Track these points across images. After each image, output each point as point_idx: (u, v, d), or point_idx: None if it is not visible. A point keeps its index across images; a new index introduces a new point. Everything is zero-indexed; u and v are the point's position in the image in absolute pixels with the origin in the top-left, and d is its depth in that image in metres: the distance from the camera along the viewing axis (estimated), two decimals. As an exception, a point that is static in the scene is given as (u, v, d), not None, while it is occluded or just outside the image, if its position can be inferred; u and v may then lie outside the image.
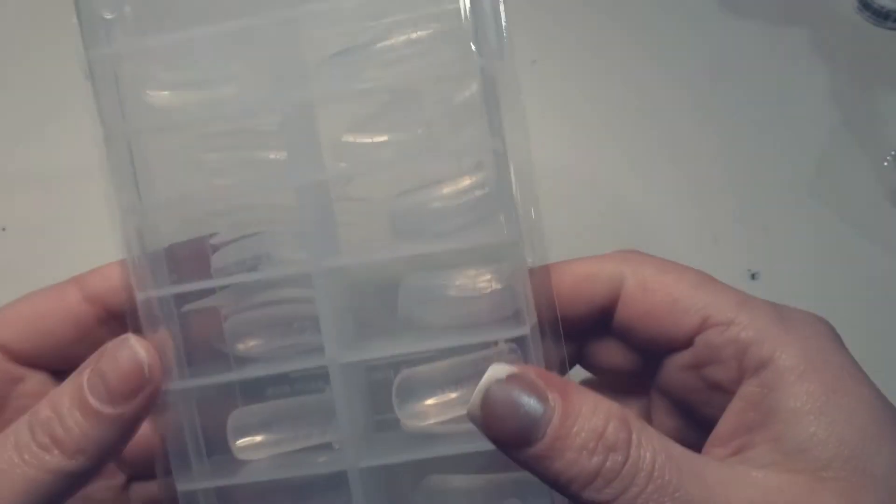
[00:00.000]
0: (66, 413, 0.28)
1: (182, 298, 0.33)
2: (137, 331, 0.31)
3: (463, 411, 0.29)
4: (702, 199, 0.45)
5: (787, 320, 0.30)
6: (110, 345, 0.30)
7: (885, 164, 0.44)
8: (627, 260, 0.33)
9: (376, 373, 0.34)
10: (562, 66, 0.47)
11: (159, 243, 0.33)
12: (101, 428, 0.28)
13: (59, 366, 0.34)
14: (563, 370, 0.32)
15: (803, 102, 0.46)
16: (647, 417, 0.35)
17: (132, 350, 0.29)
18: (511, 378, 0.27)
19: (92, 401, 0.28)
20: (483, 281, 0.32)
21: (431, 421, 0.32)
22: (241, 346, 0.33)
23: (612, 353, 0.35)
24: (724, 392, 0.31)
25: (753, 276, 0.44)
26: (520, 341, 0.31)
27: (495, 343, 0.32)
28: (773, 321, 0.30)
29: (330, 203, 0.33)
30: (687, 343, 0.32)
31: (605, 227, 0.44)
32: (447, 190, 0.32)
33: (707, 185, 0.45)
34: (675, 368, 0.33)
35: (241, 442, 0.33)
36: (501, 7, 0.31)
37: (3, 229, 0.43)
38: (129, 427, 0.29)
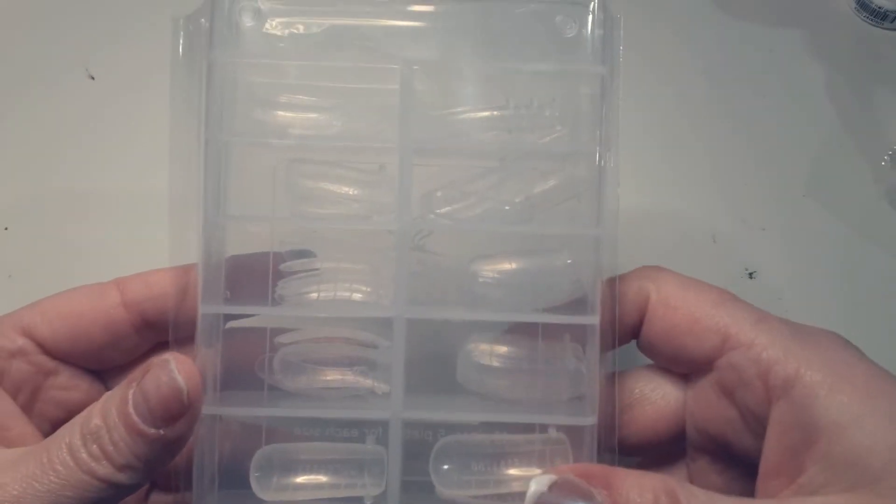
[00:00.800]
0: (113, 426, 0.28)
1: (229, 315, 0.33)
2: (183, 343, 0.31)
3: (501, 489, 0.29)
4: (700, 199, 0.45)
5: (804, 337, 0.30)
6: (154, 363, 0.29)
7: (883, 163, 0.45)
8: (651, 276, 0.33)
9: (410, 430, 0.32)
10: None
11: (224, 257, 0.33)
12: (145, 446, 0.28)
13: (91, 365, 0.35)
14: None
15: (801, 102, 0.46)
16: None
17: (172, 376, 0.29)
18: (554, 487, 0.28)
19: (136, 419, 0.28)
20: (551, 359, 0.32)
21: (470, 493, 0.31)
22: (289, 379, 0.32)
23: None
24: (757, 418, 0.31)
25: (751, 276, 0.44)
26: (579, 430, 0.31)
27: (546, 428, 0.32)
28: (792, 338, 0.30)
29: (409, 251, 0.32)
30: (708, 363, 0.32)
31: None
32: (530, 262, 0.32)
33: (705, 184, 0.45)
34: (705, 401, 0.33)
35: (264, 480, 0.32)
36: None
37: (6, 229, 0.44)
38: (173, 447, 0.29)
